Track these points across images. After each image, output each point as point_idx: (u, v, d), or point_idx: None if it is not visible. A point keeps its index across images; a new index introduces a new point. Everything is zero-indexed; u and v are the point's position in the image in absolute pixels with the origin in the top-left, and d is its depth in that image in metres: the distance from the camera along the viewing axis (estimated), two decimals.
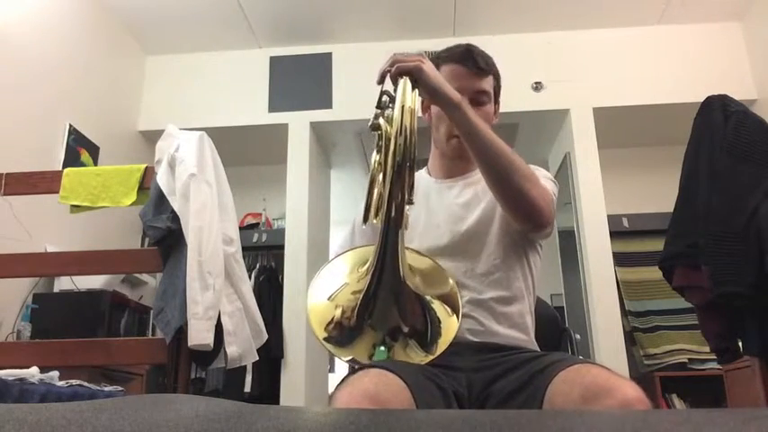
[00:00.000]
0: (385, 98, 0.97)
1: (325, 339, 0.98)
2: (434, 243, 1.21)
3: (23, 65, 3.14)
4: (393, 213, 0.86)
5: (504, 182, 1.09)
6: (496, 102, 1.34)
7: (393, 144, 0.85)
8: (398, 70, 0.99)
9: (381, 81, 1.01)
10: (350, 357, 0.96)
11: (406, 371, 0.91)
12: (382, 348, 0.95)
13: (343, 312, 0.99)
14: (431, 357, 0.97)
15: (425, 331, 0.99)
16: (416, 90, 0.98)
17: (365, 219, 0.92)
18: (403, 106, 0.88)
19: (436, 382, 0.98)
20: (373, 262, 0.92)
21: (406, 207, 0.91)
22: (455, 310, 1.03)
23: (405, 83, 0.96)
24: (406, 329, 0.98)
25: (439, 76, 1.05)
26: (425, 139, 1.38)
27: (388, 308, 0.97)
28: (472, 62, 1.26)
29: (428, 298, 1.01)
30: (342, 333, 0.98)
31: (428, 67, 1.02)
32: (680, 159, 2.06)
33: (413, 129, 0.86)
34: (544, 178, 1.23)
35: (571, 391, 0.88)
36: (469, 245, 1.20)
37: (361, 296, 0.96)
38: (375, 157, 0.90)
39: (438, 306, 1.01)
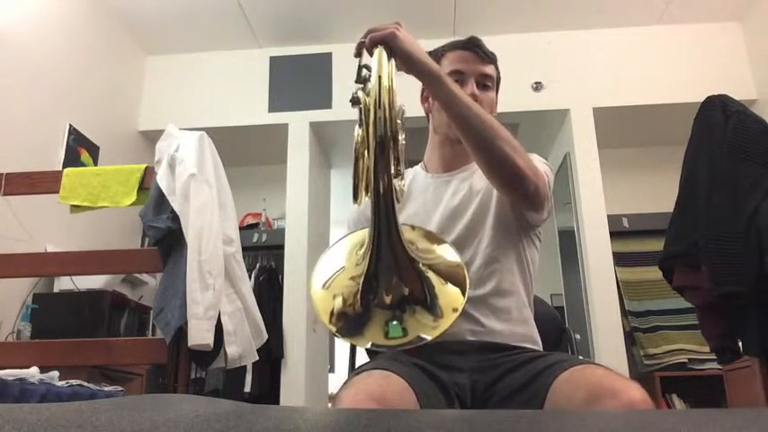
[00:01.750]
0: (364, 72, 0.93)
1: (336, 332, 0.96)
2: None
3: (23, 65, 3.14)
4: (382, 188, 0.82)
5: (488, 149, 1.05)
6: (497, 94, 1.35)
7: (373, 117, 0.81)
8: (372, 40, 0.95)
9: (358, 53, 0.98)
10: (368, 344, 0.94)
11: (410, 372, 0.91)
12: (395, 323, 0.93)
13: (345, 301, 0.96)
14: (441, 320, 0.94)
15: (425, 296, 0.96)
16: (393, 60, 0.94)
17: (355, 198, 0.89)
18: (380, 76, 0.84)
19: (439, 383, 0.98)
20: (369, 241, 0.89)
21: (396, 181, 0.88)
22: (458, 282, 1.00)
23: (380, 53, 0.91)
24: (407, 293, 0.95)
25: (415, 44, 1.01)
26: (421, 140, 1.38)
27: (390, 279, 0.94)
28: (478, 48, 1.29)
29: (422, 267, 0.98)
30: (349, 322, 0.96)
31: (403, 34, 0.98)
32: (680, 159, 2.06)
33: (392, 99, 0.82)
34: (537, 161, 1.22)
35: (575, 391, 0.87)
36: (466, 240, 1.20)
37: (363, 278, 0.93)
38: (357, 131, 0.86)
39: (433, 275, 0.99)
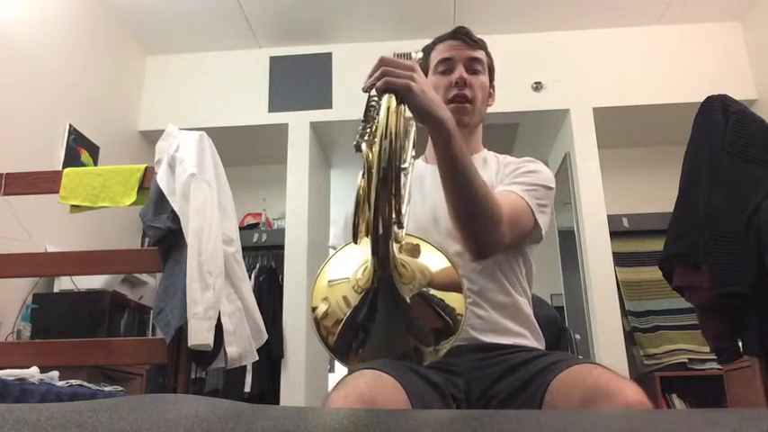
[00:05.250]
0: (372, 110, 0.88)
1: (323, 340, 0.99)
2: (428, 224, 1.20)
3: (23, 65, 3.14)
4: (382, 229, 0.81)
5: (466, 221, 1.05)
6: (491, 81, 1.36)
7: (376, 169, 0.79)
8: (385, 85, 0.88)
9: (368, 91, 0.91)
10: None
11: (402, 372, 0.90)
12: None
13: (328, 314, 0.98)
14: (458, 325, 0.96)
15: (441, 321, 0.98)
16: (402, 106, 0.90)
17: (354, 239, 0.89)
18: (384, 129, 0.81)
19: (432, 383, 0.97)
20: (366, 291, 0.92)
21: (399, 230, 0.89)
22: (455, 283, 1.01)
23: (389, 101, 0.86)
24: (426, 337, 0.97)
25: (431, 96, 0.95)
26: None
27: (403, 341, 0.97)
28: (464, 35, 1.30)
29: (430, 293, 0.99)
30: (330, 344, 0.99)
31: (419, 86, 0.91)
32: (680, 159, 2.06)
33: (394, 152, 0.80)
34: (529, 188, 1.20)
35: (571, 393, 0.86)
36: None
37: (349, 316, 0.96)
38: (360, 180, 0.84)
39: (437, 292, 1.00)
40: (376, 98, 0.89)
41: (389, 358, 0.95)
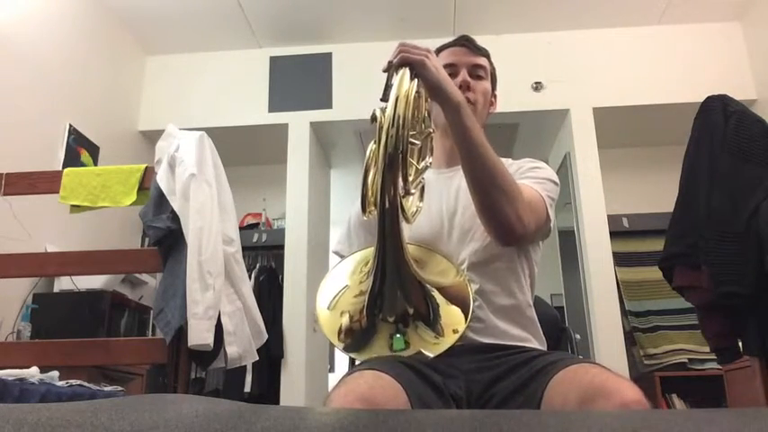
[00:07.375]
0: (390, 90, 0.94)
1: (344, 349, 1.00)
2: (432, 231, 1.20)
3: (23, 65, 3.14)
4: (387, 205, 0.84)
5: (485, 195, 1.07)
6: (494, 90, 1.38)
7: (385, 134, 0.83)
8: (400, 61, 0.96)
9: (388, 69, 0.98)
10: (373, 357, 0.98)
11: (402, 372, 0.91)
12: (398, 336, 0.97)
13: (351, 317, 1.00)
14: (441, 339, 0.97)
15: (428, 313, 0.99)
16: (415, 81, 0.96)
17: (363, 210, 0.91)
18: (397, 96, 0.86)
19: (432, 383, 0.97)
20: (374, 259, 0.92)
21: (407, 198, 0.90)
22: (463, 304, 1.02)
23: (403, 73, 0.93)
24: (411, 312, 0.98)
25: (442, 74, 1.03)
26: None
27: (394, 296, 0.97)
28: (469, 42, 1.34)
29: (428, 286, 1.01)
30: (356, 337, 0.99)
31: (432, 63, 1.00)
32: (680, 159, 2.06)
33: (406, 118, 0.84)
34: (539, 181, 1.21)
35: (568, 393, 0.86)
36: (467, 233, 1.19)
37: (368, 295, 0.96)
38: (371, 146, 0.88)
39: (438, 294, 1.02)
40: (391, 85, 0.94)
41: (401, 311, 0.97)
